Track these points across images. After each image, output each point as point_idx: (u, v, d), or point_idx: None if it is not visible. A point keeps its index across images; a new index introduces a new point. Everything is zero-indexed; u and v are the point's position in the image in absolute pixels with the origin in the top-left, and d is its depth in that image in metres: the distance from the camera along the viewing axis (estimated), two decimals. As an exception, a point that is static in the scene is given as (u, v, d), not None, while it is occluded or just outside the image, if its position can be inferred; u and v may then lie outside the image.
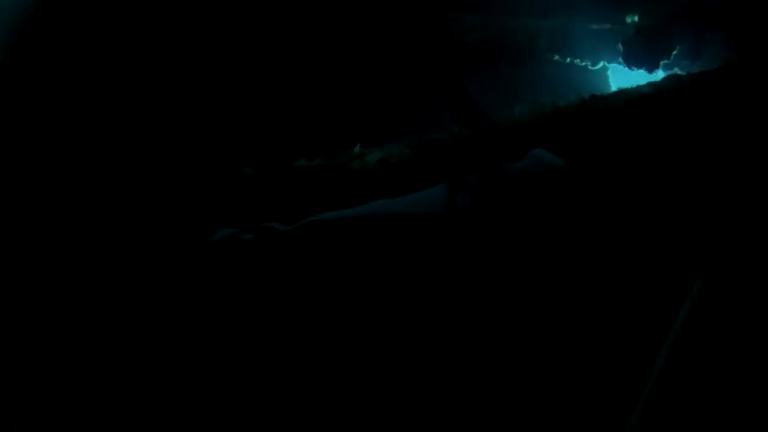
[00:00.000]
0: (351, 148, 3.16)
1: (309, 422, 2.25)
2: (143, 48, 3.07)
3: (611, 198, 2.26)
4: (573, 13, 5.42)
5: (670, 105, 3.11)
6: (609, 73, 5.55)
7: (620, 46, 5.33)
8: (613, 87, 5.43)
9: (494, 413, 2.13)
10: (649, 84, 3.61)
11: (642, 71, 5.27)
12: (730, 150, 2.57)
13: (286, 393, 2.24)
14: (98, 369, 2.07)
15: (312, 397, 2.27)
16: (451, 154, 2.98)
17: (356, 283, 2.33)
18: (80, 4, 2.39)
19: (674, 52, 5.18)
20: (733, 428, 1.89)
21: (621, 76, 5.45)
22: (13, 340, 2.05)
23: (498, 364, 2.17)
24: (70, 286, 2.05)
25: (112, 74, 2.72)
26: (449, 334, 2.22)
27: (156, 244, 2.20)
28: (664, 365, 1.90)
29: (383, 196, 2.41)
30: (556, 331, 2.13)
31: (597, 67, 5.52)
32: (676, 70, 4.96)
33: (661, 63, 5.23)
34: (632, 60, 5.28)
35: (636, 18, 5.40)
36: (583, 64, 5.53)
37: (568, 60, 5.53)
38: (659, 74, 5.24)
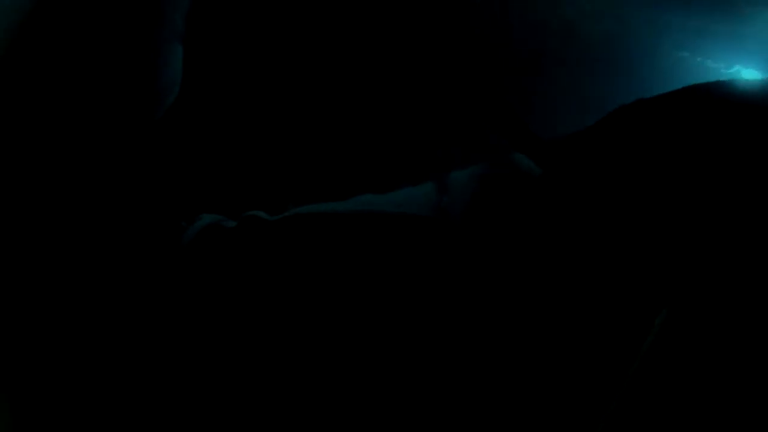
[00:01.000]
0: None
1: (294, 418, 2.26)
2: (143, 48, 3.08)
3: (585, 213, 2.08)
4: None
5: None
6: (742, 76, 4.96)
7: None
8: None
9: (469, 416, 2.09)
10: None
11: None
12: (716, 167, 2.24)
13: (269, 388, 2.25)
14: (82, 363, 2.13)
15: (295, 393, 2.27)
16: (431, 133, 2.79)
17: (340, 282, 2.31)
18: (80, 4, 2.42)
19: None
20: None
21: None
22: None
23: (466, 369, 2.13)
24: (56, 279, 2.12)
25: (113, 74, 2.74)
26: (431, 335, 2.18)
27: (135, 233, 2.23)
28: (624, 393, 1.79)
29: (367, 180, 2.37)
30: (520, 348, 2.03)
31: (731, 70, 4.93)
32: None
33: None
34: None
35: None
36: (715, 66, 4.98)
37: (699, 60, 4.99)
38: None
